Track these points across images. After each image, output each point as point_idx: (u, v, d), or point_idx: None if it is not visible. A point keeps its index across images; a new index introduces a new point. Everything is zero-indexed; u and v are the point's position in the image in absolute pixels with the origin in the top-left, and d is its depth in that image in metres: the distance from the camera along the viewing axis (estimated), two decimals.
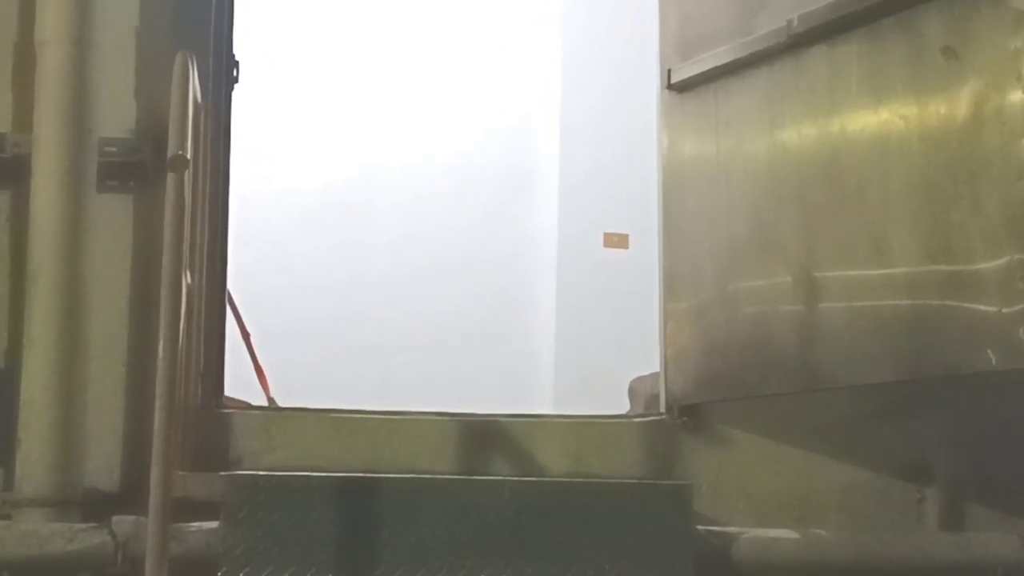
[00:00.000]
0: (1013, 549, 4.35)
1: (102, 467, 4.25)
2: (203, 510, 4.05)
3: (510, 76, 8.20)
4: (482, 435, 4.49)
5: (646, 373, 5.06)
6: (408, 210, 8.03)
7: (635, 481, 4.40)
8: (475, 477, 4.31)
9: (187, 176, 3.84)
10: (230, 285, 4.75)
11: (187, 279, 3.96)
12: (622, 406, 5.17)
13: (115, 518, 4.07)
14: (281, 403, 5.51)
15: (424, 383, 7.31)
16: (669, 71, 4.61)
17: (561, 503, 4.13)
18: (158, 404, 3.60)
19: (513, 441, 4.50)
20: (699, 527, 4.24)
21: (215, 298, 4.59)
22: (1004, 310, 3.49)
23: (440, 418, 4.52)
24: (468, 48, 8.19)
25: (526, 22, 8.24)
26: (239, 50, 4.69)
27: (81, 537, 4.06)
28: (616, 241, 7.89)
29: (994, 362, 3.51)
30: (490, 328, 7.93)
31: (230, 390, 4.68)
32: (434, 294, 7.92)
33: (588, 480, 4.36)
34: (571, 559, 4.06)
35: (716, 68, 4.40)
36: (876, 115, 3.88)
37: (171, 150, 3.74)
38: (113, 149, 4.37)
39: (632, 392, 5.21)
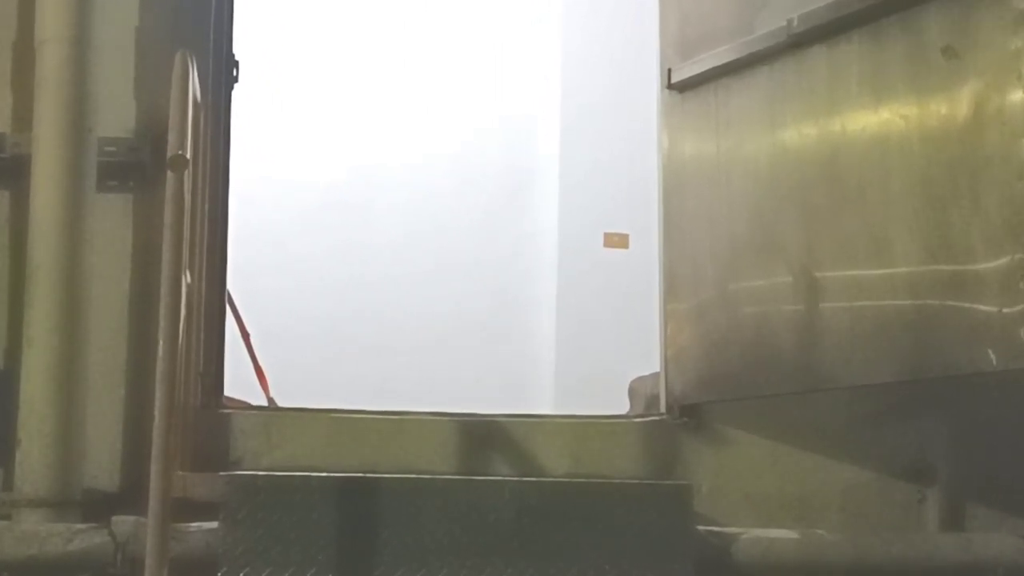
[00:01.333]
0: (1014, 549, 4.35)
1: (102, 467, 4.25)
2: (203, 510, 4.05)
3: (510, 76, 8.19)
4: (482, 435, 4.49)
5: (646, 373, 5.06)
6: (408, 210, 8.03)
7: (635, 481, 4.40)
8: (475, 477, 4.31)
9: (187, 176, 3.83)
10: (230, 285, 4.74)
11: (187, 279, 3.96)
12: (622, 406, 5.17)
13: (115, 518, 4.07)
14: (281, 403, 5.51)
15: (424, 383, 7.31)
16: (669, 71, 4.61)
17: (561, 503, 4.12)
18: (158, 404, 3.60)
19: (513, 441, 4.49)
20: (699, 527, 4.24)
21: (215, 298, 4.59)
22: (1005, 310, 3.49)
23: (440, 418, 4.52)
24: (468, 48, 8.18)
25: (526, 22, 8.24)
26: (239, 50, 4.69)
27: (81, 537, 4.05)
28: (616, 241, 7.88)
29: (995, 362, 3.51)
30: (490, 328, 7.93)
31: (230, 390, 4.68)
32: (434, 294, 7.92)
33: (588, 480, 4.35)
34: (571, 559, 4.06)
35: (716, 68, 4.40)
36: (876, 115, 3.87)
37: (171, 150, 3.74)
38: (113, 149, 4.37)
39: (632, 392, 5.21)
